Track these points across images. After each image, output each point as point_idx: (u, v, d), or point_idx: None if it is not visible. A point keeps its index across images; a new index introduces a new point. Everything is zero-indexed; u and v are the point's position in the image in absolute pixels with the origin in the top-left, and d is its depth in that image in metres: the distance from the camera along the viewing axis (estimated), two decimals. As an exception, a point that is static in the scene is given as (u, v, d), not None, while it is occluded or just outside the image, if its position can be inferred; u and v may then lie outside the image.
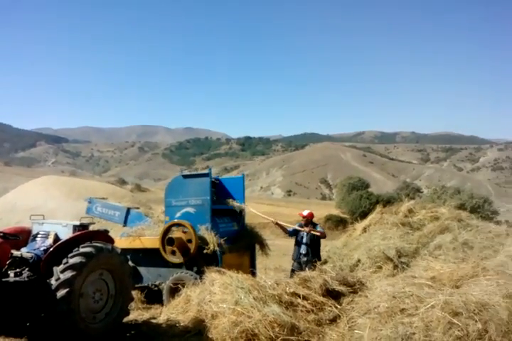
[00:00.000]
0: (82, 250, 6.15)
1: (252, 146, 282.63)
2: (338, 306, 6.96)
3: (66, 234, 6.74)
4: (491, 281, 6.04)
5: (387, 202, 22.39)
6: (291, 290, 7.00)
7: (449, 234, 9.33)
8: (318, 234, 9.64)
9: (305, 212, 9.90)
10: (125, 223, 10.59)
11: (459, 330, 5.03)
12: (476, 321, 5.09)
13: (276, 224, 9.93)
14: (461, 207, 26.17)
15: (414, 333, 5.21)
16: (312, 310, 6.82)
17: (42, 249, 6.49)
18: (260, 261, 10.94)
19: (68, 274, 5.86)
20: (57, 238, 6.69)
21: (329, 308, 6.85)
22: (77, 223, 6.97)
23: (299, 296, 6.97)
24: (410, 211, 10.59)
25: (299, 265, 9.50)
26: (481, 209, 33.54)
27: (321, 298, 7.00)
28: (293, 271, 9.36)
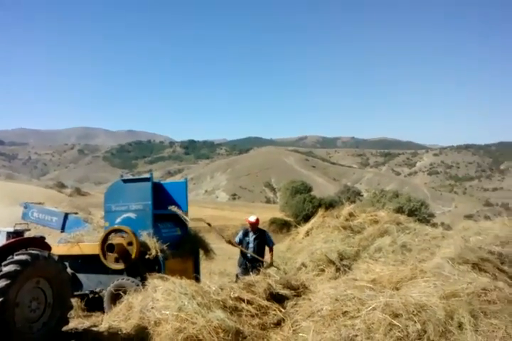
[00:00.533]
0: (16, 258, 5.88)
1: (196, 150, 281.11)
2: (282, 310, 6.99)
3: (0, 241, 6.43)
4: (428, 283, 6.28)
5: (329, 205, 22.88)
6: (236, 295, 6.98)
7: (388, 236, 9.60)
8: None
9: (252, 218, 9.68)
10: (63, 229, 10.22)
11: (399, 331, 5.18)
12: (415, 322, 5.26)
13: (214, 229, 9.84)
14: (400, 210, 27.16)
15: (356, 335, 5.32)
16: (257, 315, 6.82)
17: (-27, 257, 6.15)
18: (205, 265, 10.86)
19: (2, 283, 5.58)
20: (-11, 246, 6.36)
21: (273, 312, 6.88)
22: (11, 229, 6.71)
23: (244, 301, 6.95)
24: (351, 214, 10.83)
25: (244, 270, 9.40)
26: (418, 212, 34.89)
27: (265, 302, 7.02)
28: (237, 276, 9.32)
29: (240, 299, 6.98)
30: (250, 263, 9.41)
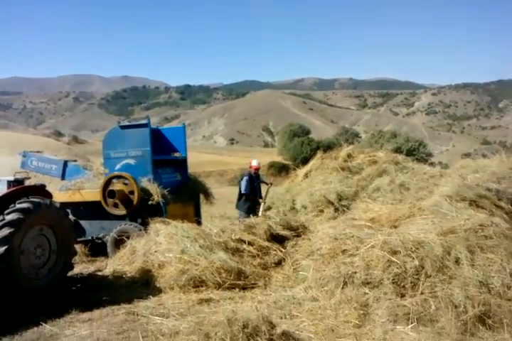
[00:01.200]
0: (18, 206, 5.92)
1: (192, 95, 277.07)
2: (283, 250, 7.15)
3: (0, 190, 6.44)
4: (426, 220, 6.36)
5: (328, 147, 22.83)
6: (237, 237, 7.11)
7: (387, 176, 9.66)
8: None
9: (256, 163, 10.15)
10: (63, 177, 10.24)
11: (397, 268, 5.31)
12: (413, 258, 5.38)
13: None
14: (398, 150, 27.21)
15: (355, 272, 5.46)
16: (258, 255, 6.99)
17: (-25, 207, 6.19)
18: (205, 209, 11.00)
19: (5, 231, 5.65)
20: (-10, 195, 6.37)
21: (274, 252, 7.04)
22: (12, 178, 6.67)
23: (245, 242, 7.09)
24: (349, 156, 10.83)
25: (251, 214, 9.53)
26: (416, 151, 35.00)
27: (266, 243, 7.17)
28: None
29: (241, 241, 7.12)
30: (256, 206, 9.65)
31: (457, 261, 5.37)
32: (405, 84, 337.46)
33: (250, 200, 9.88)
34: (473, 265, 5.28)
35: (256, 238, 7.20)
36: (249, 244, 7.09)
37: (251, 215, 9.14)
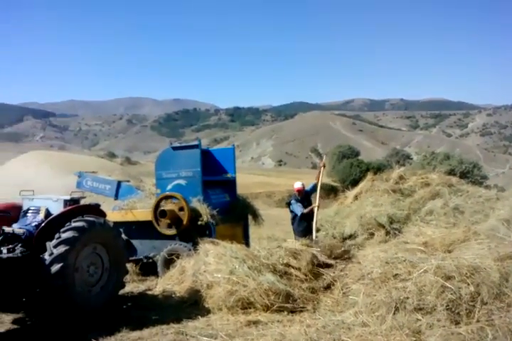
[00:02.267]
0: (74, 224, 6.11)
1: (241, 117, 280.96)
2: (332, 274, 7.01)
3: (57, 208, 6.67)
4: (482, 245, 6.12)
5: (378, 169, 22.44)
6: (284, 261, 7.01)
7: (440, 199, 9.38)
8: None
9: (298, 185, 9.62)
10: (116, 196, 10.55)
11: (451, 293, 5.11)
12: (469, 284, 5.17)
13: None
14: (451, 172, 26.44)
15: (407, 297, 5.29)
16: (306, 280, 6.87)
17: (33, 224, 6.43)
18: (253, 231, 10.99)
19: (61, 249, 5.83)
20: (48, 213, 6.61)
21: (323, 276, 6.91)
22: (68, 197, 6.89)
23: (292, 267, 6.99)
24: (401, 177, 10.59)
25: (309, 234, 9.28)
26: (470, 174, 33.88)
27: (313, 268, 7.02)
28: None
29: (288, 265, 7.02)
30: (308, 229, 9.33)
31: (516, 289, 5.12)
32: (458, 105, 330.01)
33: (306, 221, 9.52)
34: (532, 292, 5.03)
35: (302, 265, 7.04)
36: (297, 269, 6.99)
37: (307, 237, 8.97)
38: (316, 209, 9.17)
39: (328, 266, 7.25)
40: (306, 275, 6.89)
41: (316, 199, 9.46)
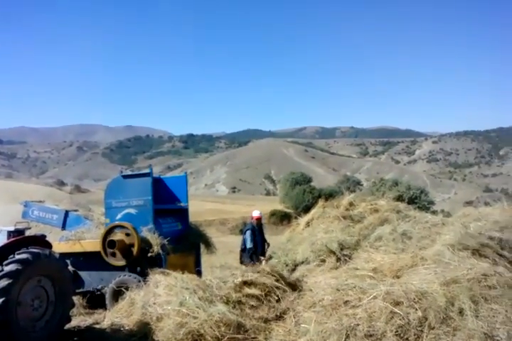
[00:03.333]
0: (17, 257, 5.90)
1: (195, 144, 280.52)
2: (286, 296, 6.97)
3: (0, 240, 6.44)
4: (429, 270, 6.30)
5: (329, 195, 22.84)
6: (239, 280, 6.94)
7: (389, 225, 9.57)
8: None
9: (257, 213, 10.14)
10: (64, 226, 10.24)
11: (400, 319, 5.21)
12: (417, 309, 5.29)
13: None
14: (400, 198, 27.04)
15: (358, 324, 5.34)
16: (260, 302, 6.82)
17: (-25, 257, 6.16)
18: (206, 259, 10.89)
19: (4, 282, 5.60)
20: (-10, 245, 6.35)
21: (274, 304, 6.87)
22: (12, 228, 6.70)
23: (247, 283, 6.94)
24: (351, 204, 10.80)
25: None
26: (418, 199, 34.92)
27: (271, 282, 7.01)
28: None
29: (242, 286, 6.95)
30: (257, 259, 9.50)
31: (461, 312, 5.27)
32: (406, 133, 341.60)
33: (254, 254, 9.76)
34: (477, 316, 5.19)
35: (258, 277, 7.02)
36: (252, 284, 6.94)
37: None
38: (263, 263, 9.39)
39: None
40: (261, 291, 6.84)
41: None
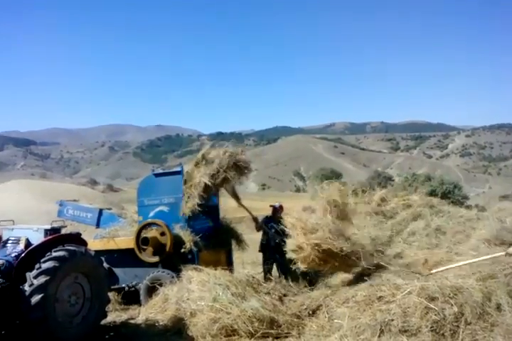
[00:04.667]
0: (54, 254, 6.03)
1: (224, 141, 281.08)
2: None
3: (38, 238, 6.59)
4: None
5: (361, 191, 22.58)
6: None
7: (422, 220, 9.48)
8: None
9: (275, 204, 10.13)
10: (98, 225, 10.43)
11: (435, 314, 5.13)
12: (452, 305, 5.20)
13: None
14: (432, 193, 26.69)
15: (392, 319, 5.29)
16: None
17: (13, 255, 6.32)
18: (237, 256, 10.92)
19: (42, 279, 5.74)
20: (28, 243, 6.52)
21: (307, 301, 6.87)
22: (49, 227, 6.83)
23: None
24: (383, 199, 10.71)
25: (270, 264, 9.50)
26: (451, 194, 34.18)
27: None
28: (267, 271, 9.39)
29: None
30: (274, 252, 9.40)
31: (498, 308, 5.17)
32: (438, 127, 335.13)
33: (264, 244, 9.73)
34: (515, 311, 5.06)
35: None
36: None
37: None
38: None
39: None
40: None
41: None
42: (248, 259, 13.61)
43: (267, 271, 9.34)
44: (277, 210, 9.96)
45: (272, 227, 9.55)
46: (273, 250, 9.41)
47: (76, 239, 6.84)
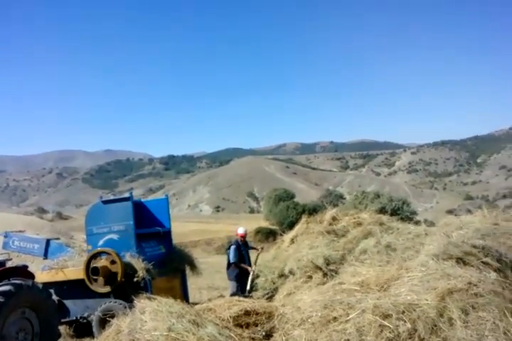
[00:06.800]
0: (-1, 289, 5.79)
1: (176, 165, 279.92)
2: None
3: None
4: (415, 281, 6.30)
5: (313, 210, 22.89)
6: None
7: (372, 238, 9.62)
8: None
9: (242, 230, 10.34)
10: (46, 255, 10.07)
11: (390, 332, 5.19)
12: (405, 321, 5.28)
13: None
14: (382, 210, 27.33)
15: (348, 339, 5.31)
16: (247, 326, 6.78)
17: (-46, 291, 6.01)
18: (193, 281, 10.78)
19: (-14, 316, 5.48)
20: (-30, 278, 6.23)
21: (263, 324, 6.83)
22: (-8, 260, 6.57)
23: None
24: (334, 218, 10.83)
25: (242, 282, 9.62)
26: (400, 210, 35.14)
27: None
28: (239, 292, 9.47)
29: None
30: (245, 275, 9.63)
31: (450, 322, 5.28)
32: (385, 145, 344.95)
33: (239, 269, 9.86)
34: (466, 325, 5.19)
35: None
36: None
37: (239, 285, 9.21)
38: (251, 274, 9.67)
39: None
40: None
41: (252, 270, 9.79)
42: (204, 284, 13.45)
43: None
44: (245, 236, 10.42)
45: (243, 250, 10.10)
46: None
47: (22, 271, 6.62)
